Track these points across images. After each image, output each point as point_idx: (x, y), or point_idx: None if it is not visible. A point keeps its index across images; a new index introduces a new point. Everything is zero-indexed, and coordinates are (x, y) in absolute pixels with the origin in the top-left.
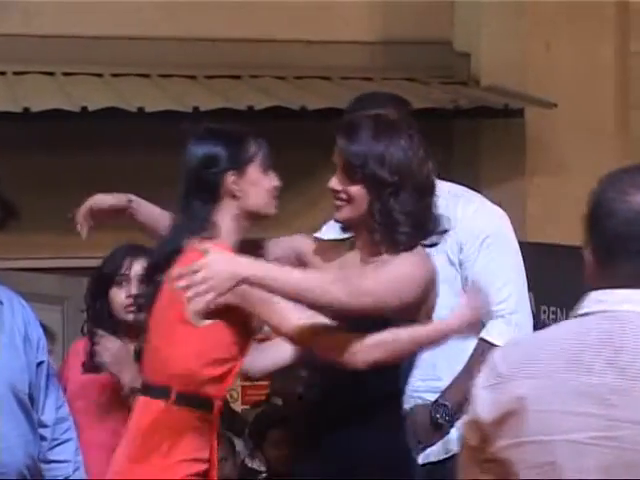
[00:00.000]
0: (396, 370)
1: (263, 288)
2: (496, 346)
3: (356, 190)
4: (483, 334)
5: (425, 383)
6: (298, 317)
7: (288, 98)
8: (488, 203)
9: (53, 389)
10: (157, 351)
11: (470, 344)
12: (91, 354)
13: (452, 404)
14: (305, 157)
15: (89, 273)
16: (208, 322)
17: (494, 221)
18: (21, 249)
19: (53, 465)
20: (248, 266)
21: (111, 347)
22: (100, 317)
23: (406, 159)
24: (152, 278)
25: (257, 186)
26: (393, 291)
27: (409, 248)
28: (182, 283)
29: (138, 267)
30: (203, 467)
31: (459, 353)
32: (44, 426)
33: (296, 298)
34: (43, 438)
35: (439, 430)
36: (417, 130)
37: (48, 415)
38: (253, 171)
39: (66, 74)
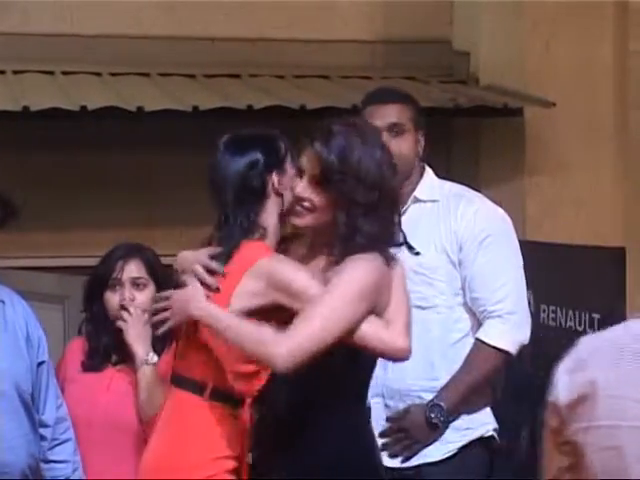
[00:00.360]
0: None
1: (210, 329)
2: (493, 347)
3: (323, 201)
4: (479, 334)
5: (422, 382)
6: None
7: (288, 97)
8: (489, 203)
9: (53, 389)
10: (194, 346)
11: (468, 343)
12: (90, 354)
13: (447, 404)
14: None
15: (88, 272)
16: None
17: (495, 221)
18: (21, 248)
19: (53, 465)
20: (201, 309)
21: (139, 321)
22: (97, 319)
23: (380, 175)
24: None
25: (293, 182)
26: (343, 322)
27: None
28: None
29: (132, 269)
30: (235, 465)
31: (457, 352)
32: (45, 426)
33: (235, 344)
34: (43, 438)
35: (434, 430)
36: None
37: (49, 415)
38: (289, 168)
39: (65, 73)
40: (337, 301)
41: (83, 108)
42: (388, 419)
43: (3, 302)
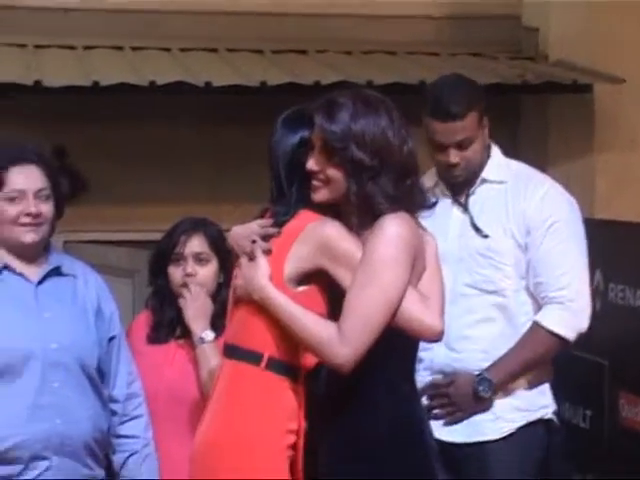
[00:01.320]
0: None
1: (271, 311)
2: (550, 331)
3: (334, 173)
4: (538, 317)
5: (483, 364)
6: None
7: (354, 73)
8: (558, 186)
9: (125, 364)
10: (249, 315)
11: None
12: (155, 326)
13: (496, 379)
14: None
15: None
16: (303, 287)
17: (563, 206)
18: (91, 221)
19: (123, 440)
20: (263, 292)
21: (197, 299)
22: (162, 293)
23: (386, 140)
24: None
25: None
26: (385, 308)
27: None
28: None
29: (195, 244)
30: (294, 439)
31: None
32: (115, 401)
33: (295, 335)
34: (114, 413)
35: (479, 402)
36: (397, 109)
37: (119, 390)
38: None
39: (134, 48)
40: (383, 273)
41: (152, 83)
42: (433, 384)
43: (75, 276)
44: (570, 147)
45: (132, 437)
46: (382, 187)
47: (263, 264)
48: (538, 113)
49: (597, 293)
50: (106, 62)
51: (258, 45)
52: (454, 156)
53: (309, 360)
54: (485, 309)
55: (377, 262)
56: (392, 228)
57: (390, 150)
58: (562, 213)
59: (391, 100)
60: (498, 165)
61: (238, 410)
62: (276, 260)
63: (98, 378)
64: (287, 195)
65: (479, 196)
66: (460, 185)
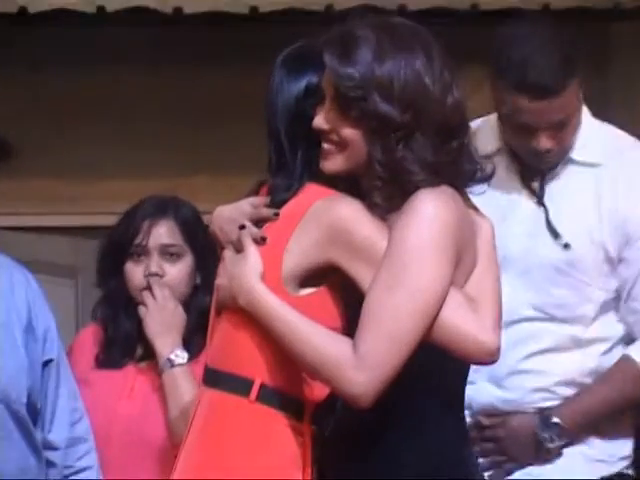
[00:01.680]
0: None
1: (262, 322)
2: None
3: (351, 133)
4: (632, 350)
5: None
6: None
7: None
8: None
9: (66, 398)
10: (235, 329)
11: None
12: (106, 345)
13: (568, 423)
14: None
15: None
16: (308, 290)
17: None
18: (18, 201)
19: None
20: (252, 298)
21: (163, 308)
22: (116, 299)
23: (422, 88)
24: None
25: None
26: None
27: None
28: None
29: (161, 233)
30: None
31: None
32: (53, 448)
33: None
34: (52, 465)
35: (541, 452)
36: (438, 45)
37: (58, 433)
38: None
39: None
40: (416, 270)
41: (100, 9)
42: (476, 424)
43: None
44: None
45: None
46: (417, 152)
47: (253, 258)
48: (633, 46)
49: None
50: None
51: None
52: (547, 141)
53: (319, 391)
54: (552, 338)
55: (407, 255)
56: (429, 208)
57: (428, 101)
58: None
59: (432, 32)
60: (589, 138)
61: (220, 457)
62: (272, 252)
63: (28, 417)
64: (289, 164)
65: (561, 183)
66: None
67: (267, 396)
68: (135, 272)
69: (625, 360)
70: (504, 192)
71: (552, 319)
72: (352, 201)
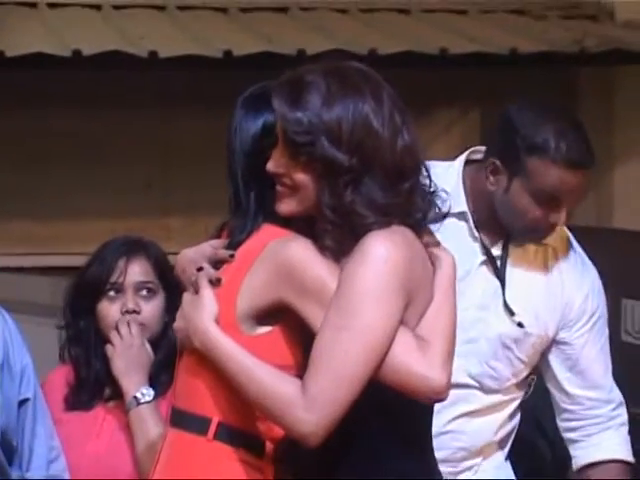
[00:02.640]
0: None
1: (215, 362)
2: (628, 463)
3: (301, 177)
4: (613, 453)
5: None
6: None
7: (352, 39)
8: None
9: (43, 437)
10: (193, 368)
11: None
12: (76, 386)
13: None
14: None
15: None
16: (263, 329)
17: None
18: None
19: None
20: (204, 339)
21: (130, 346)
22: (86, 339)
23: (370, 131)
24: None
25: None
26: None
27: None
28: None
29: (136, 271)
30: None
31: None
32: None
33: (247, 395)
34: None
35: None
36: (389, 88)
37: (36, 472)
38: None
39: (51, 5)
40: (364, 311)
41: (76, 53)
42: None
43: None
44: None
45: None
46: (366, 195)
47: (208, 299)
48: (601, 91)
49: None
50: (14, 24)
51: (222, 1)
52: (564, 216)
53: (278, 428)
54: (478, 403)
55: (356, 296)
56: (378, 249)
57: (376, 145)
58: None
59: (402, 75)
60: None
61: None
62: (227, 293)
63: (3, 455)
64: (244, 204)
65: (521, 257)
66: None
67: (225, 434)
68: (110, 310)
69: (612, 465)
70: (462, 256)
71: (482, 388)
72: (305, 242)
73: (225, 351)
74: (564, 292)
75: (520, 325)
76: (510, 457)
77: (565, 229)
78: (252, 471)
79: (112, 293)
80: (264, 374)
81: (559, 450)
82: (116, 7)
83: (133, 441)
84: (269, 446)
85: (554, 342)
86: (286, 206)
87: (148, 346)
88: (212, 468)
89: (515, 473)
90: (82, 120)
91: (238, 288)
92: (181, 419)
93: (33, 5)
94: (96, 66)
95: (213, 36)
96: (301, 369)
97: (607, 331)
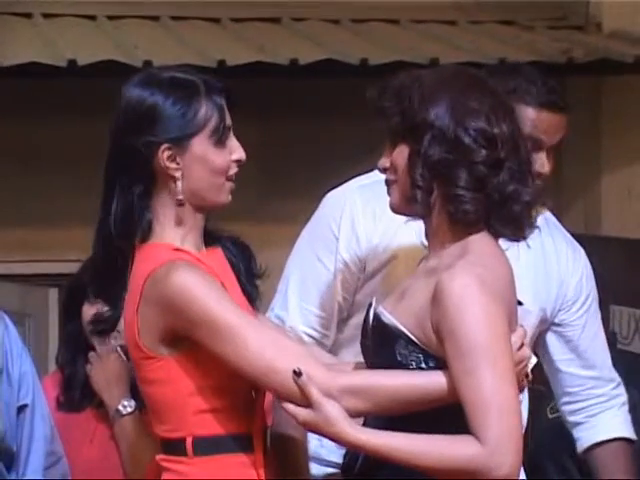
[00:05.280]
0: None
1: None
2: (632, 441)
3: (397, 153)
4: (619, 432)
5: None
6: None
7: (344, 49)
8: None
9: (42, 443)
10: (144, 391)
11: None
12: (66, 387)
13: None
14: (362, 125)
15: (60, 282)
16: (178, 350)
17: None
18: None
19: None
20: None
21: (107, 360)
22: (73, 342)
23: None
24: (104, 294)
25: (203, 163)
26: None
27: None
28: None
29: None
30: None
31: None
32: None
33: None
34: None
35: None
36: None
37: (32, 476)
38: (201, 143)
39: (46, 15)
40: (485, 350)
41: (71, 62)
42: None
43: None
44: (630, 144)
45: None
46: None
47: (328, 409)
48: (588, 102)
49: None
50: (10, 35)
51: (215, 11)
52: (547, 164)
53: (259, 416)
54: None
55: (469, 340)
56: (463, 292)
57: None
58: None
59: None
60: None
61: None
62: (130, 327)
63: (2, 463)
64: (102, 215)
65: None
66: None
67: (203, 448)
68: (88, 312)
69: (616, 444)
70: None
71: None
72: (183, 270)
73: (378, 448)
74: (560, 271)
75: (519, 303)
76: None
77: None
78: (243, 469)
79: (92, 297)
80: (436, 448)
81: (587, 470)
82: (110, 17)
83: (118, 452)
84: (256, 436)
85: (553, 325)
86: (390, 198)
87: (124, 359)
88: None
89: None
90: (73, 129)
91: (136, 323)
92: (163, 444)
93: (28, 15)
94: (91, 75)
95: (207, 46)
96: (223, 387)
97: (600, 314)
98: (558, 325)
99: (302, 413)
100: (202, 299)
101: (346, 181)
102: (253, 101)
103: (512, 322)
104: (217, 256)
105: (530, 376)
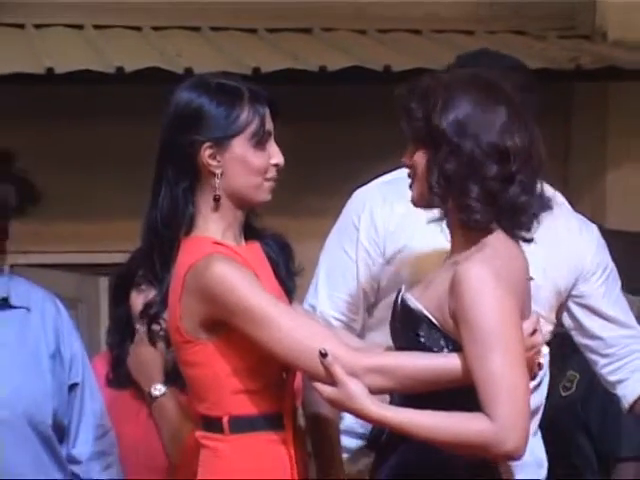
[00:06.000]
0: None
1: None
2: None
3: (418, 156)
4: None
5: None
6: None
7: (369, 57)
8: None
9: (90, 417)
10: (184, 372)
11: None
12: (115, 366)
13: None
14: (386, 128)
15: (109, 271)
16: (217, 335)
17: None
18: (29, 241)
19: None
20: (382, 417)
21: (138, 350)
22: (121, 325)
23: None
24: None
25: (242, 163)
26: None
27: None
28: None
29: None
30: None
31: None
32: (76, 462)
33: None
34: (76, 476)
35: None
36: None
37: (81, 448)
38: (242, 144)
39: (97, 27)
40: (497, 335)
41: (119, 70)
42: None
43: (28, 309)
44: (635, 147)
45: None
46: (465, 168)
47: (353, 388)
48: (595, 105)
49: None
50: (62, 44)
51: (250, 22)
52: None
53: (289, 395)
54: None
55: (483, 328)
56: (478, 281)
57: (478, 126)
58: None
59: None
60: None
61: None
62: (172, 313)
63: (55, 436)
64: (151, 208)
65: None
66: None
67: (238, 426)
68: (137, 300)
69: None
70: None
71: None
72: (222, 262)
73: (398, 424)
74: (573, 246)
75: (530, 278)
76: (542, 431)
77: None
78: (275, 447)
79: (143, 286)
80: (449, 424)
81: (602, 448)
82: (155, 28)
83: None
84: (287, 414)
85: (575, 297)
86: (412, 192)
87: (156, 346)
88: (237, 459)
89: (556, 470)
90: (125, 133)
91: (179, 310)
92: (202, 422)
93: (79, 27)
94: (137, 81)
95: (243, 54)
96: (257, 369)
97: (619, 282)
98: (579, 297)
99: (327, 390)
100: (238, 288)
101: (372, 179)
102: (286, 106)
103: (524, 311)
104: (255, 250)
105: (542, 366)
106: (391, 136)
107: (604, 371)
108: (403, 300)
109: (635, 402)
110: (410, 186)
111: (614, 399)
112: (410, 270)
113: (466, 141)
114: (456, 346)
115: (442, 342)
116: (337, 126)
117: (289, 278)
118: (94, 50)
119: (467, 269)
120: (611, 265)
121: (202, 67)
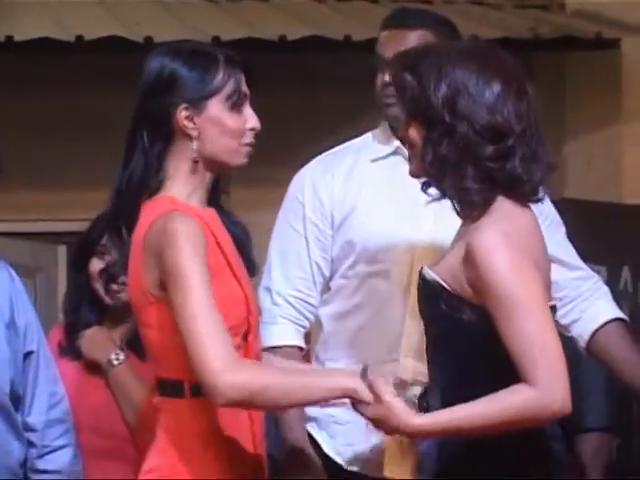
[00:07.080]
0: None
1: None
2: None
3: (412, 130)
4: (617, 312)
5: None
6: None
7: (328, 26)
8: None
9: (45, 385)
10: (145, 336)
11: None
12: (68, 334)
13: None
14: (344, 97)
15: (67, 239)
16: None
17: None
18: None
19: (42, 476)
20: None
21: (87, 333)
22: (79, 294)
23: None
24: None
25: (218, 125)
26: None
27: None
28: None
29: None
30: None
31: None
32: (31, 430)
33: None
34: (31, 444)
35: None
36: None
37: (36, 417)
38: (217, 105)
39: None
40: (523, 299)
41: (79, 38)
42: None
43: None
44: (592, 116)
45: (53, 472)
46: (461, 148)
47: (395, 405)
48: (553, 74)
49: (624, 295)
50: (27, 13)
51: None
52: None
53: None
54: None
55: (508, 295)
56: (492, 256)
57: (470, 100)
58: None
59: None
60: None
61: (177, 450)
62: (135, 274)
63: (11, 404)
64: (125, 169)
65: None
66: None
67: (199, 390)
68: (95, 266)
69: (620, 324)
70: (407, 190)
71: None
72: (180, 219)
73: (447, 423)
74: None
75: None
76: None
77: None
78: (237, 410)
79: (101, 253)
80: (495, 404)
81: (567, 419)
82: None
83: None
84: None
85: None
86: (410, 167)
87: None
88: (198, 420)
89: None
90: (88, 101)
91: (139, 270)
92: (160, 387)
93: None
94: (97, 50)
95: (203, 23)
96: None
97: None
98: None
99: (370, 409)
100: (182, 249)
101: (329, 147)
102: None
103: (539, 263)
104: (214, 216)
105: None
106: (348, 105)
107: (557, 315)
108: (422, 274)
109: (591, 340)
110: (409, 158)
111: (579, 370)
112: (362, 231)
113: (460, 122)
114: (476, 311)
115: (462, 309)
116: (295, 95)
117: (250, 260)
118: (54, 19)
119: (478, 238)
120: (553, 212)
121: (162, 36)
